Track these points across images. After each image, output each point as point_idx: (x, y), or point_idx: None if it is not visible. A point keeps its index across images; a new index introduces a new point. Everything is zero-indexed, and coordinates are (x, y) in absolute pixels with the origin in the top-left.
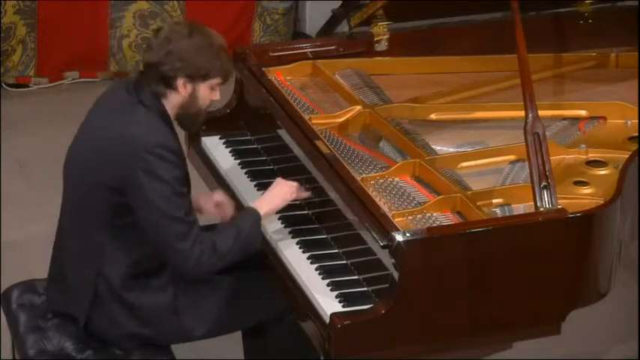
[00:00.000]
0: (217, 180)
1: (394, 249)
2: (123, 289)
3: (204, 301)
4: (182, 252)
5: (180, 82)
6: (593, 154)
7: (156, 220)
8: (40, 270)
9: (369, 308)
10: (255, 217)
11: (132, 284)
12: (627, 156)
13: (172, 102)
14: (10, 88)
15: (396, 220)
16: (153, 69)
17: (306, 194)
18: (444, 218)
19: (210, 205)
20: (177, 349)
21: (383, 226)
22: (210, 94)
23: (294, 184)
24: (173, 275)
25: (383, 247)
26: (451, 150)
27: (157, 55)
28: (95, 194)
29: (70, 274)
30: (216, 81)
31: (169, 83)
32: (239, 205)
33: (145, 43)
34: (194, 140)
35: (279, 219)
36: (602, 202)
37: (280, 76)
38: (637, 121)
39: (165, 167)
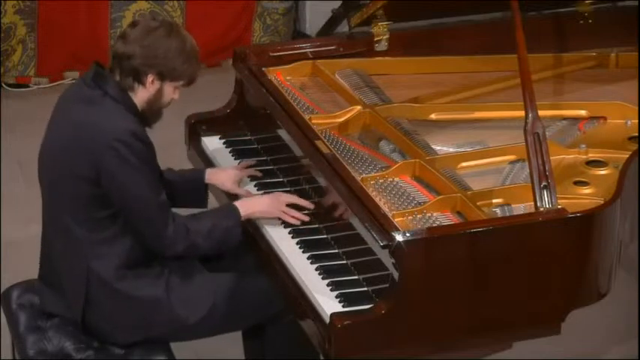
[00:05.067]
0: None
1: (394, 249)
2: (115, 280)
3: (198, 291)
4: (156, 231)
5: (149, 78)
6: (593, 154)
7: (129, 202)
8: None
9: (369, 308)
10: (234, 215)
11: (123, 274)
12: (627, 156)
13: (139, 96)
14: (10, 88)
15: (396, 220)
16: (125, 61)
17: (292, 220)
18: (444, 218)
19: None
20: (178, 349)
21: (383, 226)
22: (172, 93)
23: (289, 200)
24: (164, 266)
25: (383, 247)
26: (451, 150)
27: (132, 48)
28: (71, 187)
29: (62, 274)
30: (181, 83)
31: (139, 78)
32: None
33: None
34: (194, 140)
35: (278, 219)
36: (602, 202)
37: (280, 76)
38: (637, 121)
39: (136, 153)
